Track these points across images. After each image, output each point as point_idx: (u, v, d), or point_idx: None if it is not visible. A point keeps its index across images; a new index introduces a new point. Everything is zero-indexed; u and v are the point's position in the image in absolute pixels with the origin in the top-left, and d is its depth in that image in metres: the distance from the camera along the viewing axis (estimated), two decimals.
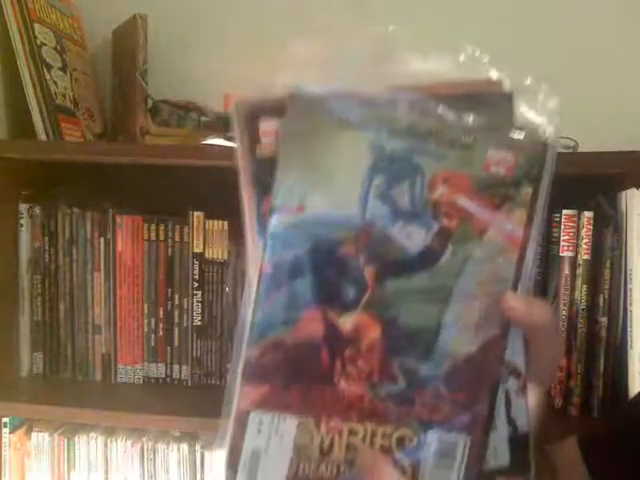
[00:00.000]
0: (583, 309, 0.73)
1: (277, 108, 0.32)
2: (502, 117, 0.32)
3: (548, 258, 0.76)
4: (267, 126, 0.32)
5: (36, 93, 0.77)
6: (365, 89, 0.32)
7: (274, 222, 0.31)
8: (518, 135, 0.32)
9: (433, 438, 0.33)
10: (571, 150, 0.76)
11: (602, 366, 0.72)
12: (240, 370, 0.32)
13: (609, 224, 0.72)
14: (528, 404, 0.34)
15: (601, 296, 0.72)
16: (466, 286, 0.32)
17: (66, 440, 0.82)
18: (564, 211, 0.73)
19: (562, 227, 0.73)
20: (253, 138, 0.33)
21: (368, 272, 0.32)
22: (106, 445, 0.82)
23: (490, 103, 0.32)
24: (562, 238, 0.73)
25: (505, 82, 0.33)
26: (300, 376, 0.32)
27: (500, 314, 0.33)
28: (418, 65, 0.31)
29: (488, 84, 0.32)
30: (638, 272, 0.69)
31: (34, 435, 0.82)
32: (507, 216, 0.32)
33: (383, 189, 0.32)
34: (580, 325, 0.73)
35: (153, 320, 0.82)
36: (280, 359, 0.32)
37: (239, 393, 0.32)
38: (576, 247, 0.73)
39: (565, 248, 0.73)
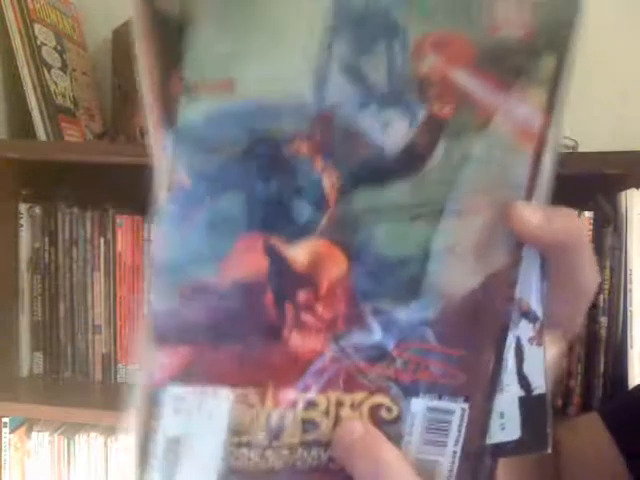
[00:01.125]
0: None
1: None
2: None
3: None
4: None
5: (36, 93, 0.77)
6: None
7: (190, 109, 0.20)
8: None
9: (419, 407, 0.24)
10: (571, 150, 0.76)
11: (602, 366, 0.72)
12: (150, 329, 0.22)
13: (609, 224, 0.72)
14: (546, 357, 0.26)
15: (601, 296, 0.72)
16: (463, 197, 0.23)
17: (66, 440, 0.82)
18: None
19: None
20: None
21: (328, 181, 0.22)
22: (106, 445, 0.82)
23: None
24: None
25: None
26: (235, 332, 0.23)
27: (509, 233, 0.24)
28: None
29: None
30: (638, 272, 0.69)
31: (34, 435, 0.82)
32: (521, 98, 0.23)
33: (348, 59, 0.21)
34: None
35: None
36: (206, 309, 0.22)
37: (149, 361, 0.23)
38: None
39: None
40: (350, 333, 0.23)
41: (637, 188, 0.69)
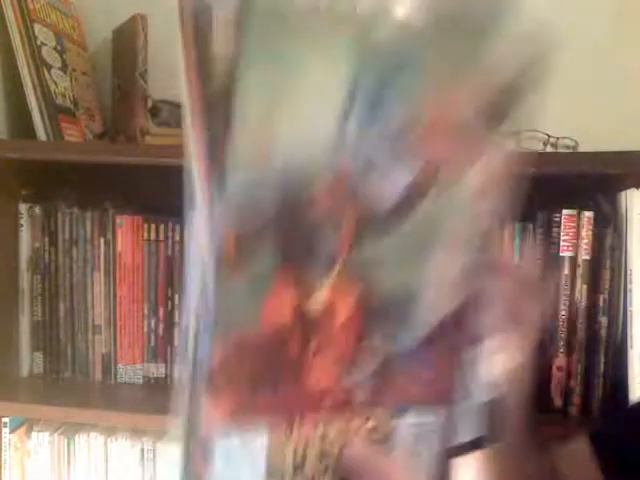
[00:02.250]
0: (583, 309, 0.73)
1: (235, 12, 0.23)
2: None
3: (548, 258, 0.76)
4: (224, 30, 0.23)
5: (36, 93, 0.77)
6: None
7: (233, 179, 0.22)
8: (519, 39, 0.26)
9: (403, 425, 0.28)
10: (571, 150, 0.76)
11: (602, 366, 0.72)
12: (201, 381, 0.25)
13: (609, 224, 0.72)
14: (503, 365, 0.31)
15: (601, 296, 0.72)
16: (448, 236, 0.26)
17: (66, 440, 0.82)
18: (564, 211, 0.73)
19: (562, 227, 0.73)
20: (203, 50, 0.23)
21: (346, 229, 0.23)
22: (106, 445, 0.82)
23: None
24: (562, 238, 0.73)
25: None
26: (267, 375, 0.25)
27: (484, 269, 0.28)
28: None
29: None
30: (638, 272, 0.69)
31: (34, 435, 0.82)
32: (494, 151, 0.26)
33: (364, 114, 0.22)
34: (580, 325, 0.73)
35: (153, 320, 0.82)
36: (247, 360, 0.24)
37: (201, 412, 0.25)
38: (576, 247, 0.73)
39: (565, 248, 0.73)
40: (355, 364, 0.26)
41: (637, 188, 0.69)
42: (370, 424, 0.28)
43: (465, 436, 0.30)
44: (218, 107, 0.22)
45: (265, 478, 0.27)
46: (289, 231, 0.23)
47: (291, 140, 0.23)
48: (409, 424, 0.29)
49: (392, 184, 0.24)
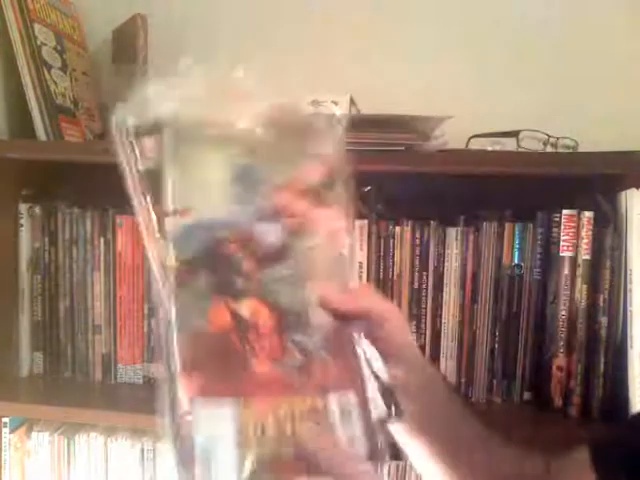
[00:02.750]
0: (583, 309, 0.73)
1: (155, 128, 0.38)
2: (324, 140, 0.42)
3: (548, 258, 0.76)
4: (148, 143, 0.38)
5: (36, 93, 0.77)
6: (225, 117, 0.39)
7: (171, 226, 0.37)
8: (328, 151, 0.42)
9: (333, 403, 0.38)
10: (571, 150, 0.76)
11: (602, 366, 0.72)
12: (177, 362, 0.36)
13: (609, 224, 0.72)
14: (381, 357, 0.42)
15: (601, 296, 0.72)
16: (317, 266, 0.40)
17: (66, 440, 0.82)
18: (564, 211, 0.73)
19: (562, 227, 0.73)
20: (138, 153, 0.38)
21: (248, 264, 0.38)
22: (106, 445, 0.82)
23: (317, 132, 0.42)
24: (562, 238, 0.73)
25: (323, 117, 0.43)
26: (220, 363, 0.36)
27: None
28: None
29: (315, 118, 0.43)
30: (638, 272, 0.69)
31: (34, 435, 0.83)
32: (331, 211, 0.40)
33: (243, 195, 0.39)
34: (580, 325, 0.73)
35: (153, 320, 0.82)
36: (204, 351, 0.36)
37: (179, 385, 0.35)
38: (576, 247, 0.73)
39: (565, 248, 0.73)
40: (284, 357, 0.37)
41: (637, 188, 0.69)
42: (310, 403, 0.37)
43: (374, 413, 0.39)
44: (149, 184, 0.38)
45: (235, 449, 0.35)
46: (215, 262, 0.37)
47: (202, 207, 0.38)
48: (336, 402, 0.38)
49: (273, 233, 0.38)
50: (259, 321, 0.37)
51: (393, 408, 0.41)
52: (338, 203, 0.41)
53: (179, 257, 0.37)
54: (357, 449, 0.38)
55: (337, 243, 0.41)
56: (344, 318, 0.40)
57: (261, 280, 0.38)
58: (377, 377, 0.41)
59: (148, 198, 0.38)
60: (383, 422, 0.40)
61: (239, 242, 0.38)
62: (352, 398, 0.38)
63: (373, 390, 0.40)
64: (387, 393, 0.41)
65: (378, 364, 0.41)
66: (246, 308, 0.37)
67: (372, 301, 0.43)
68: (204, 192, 0.38)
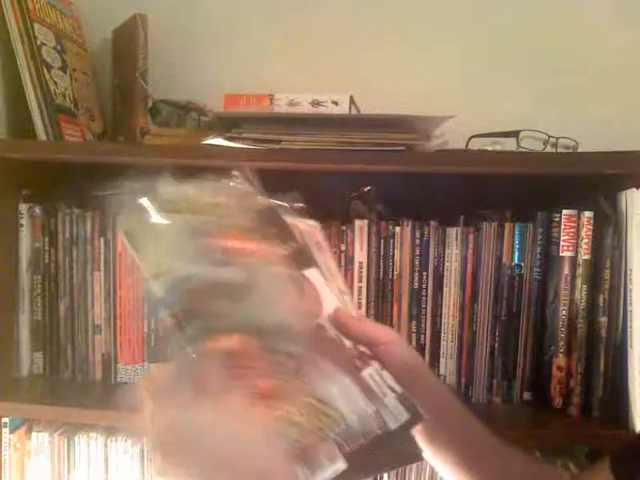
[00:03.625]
0: (583, 309, 0.73)
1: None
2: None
3: (548, 258, 0.76)
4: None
5: (36, 93, 0.77)
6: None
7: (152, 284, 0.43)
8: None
9: (367, 376, 0.44)
10: (571, 150, 0.76)
11: (602, 366, 0.72)
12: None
13: (609, 224, 0.72)
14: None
15: (601, 296, 0.72)
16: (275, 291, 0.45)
17: (66, 440, 0.82)
18: (564, 211, 0.73)
19: (562, 227, 0.73)
20: None
21: (224, 303, 0.42)
22: (106, 445, 0.82)
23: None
24: (562, 238, 0.73)
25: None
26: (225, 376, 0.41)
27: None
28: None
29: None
30: (638, 272, 0.69)
31: (34, 435, 0.82)
32: (268, 243, 0.46)
33: (197, 249, 0.44)
34: (580, 325, 0.73)
35: (153, 320, 0.82)
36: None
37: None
38: (576, 247, 0.73)
39: (565, 248, 0.73)
40: (276, 371, 0.41)
41: (637, 188, 0.69)
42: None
43: (393, 423, 0.43)
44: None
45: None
46: (198, 309, 0.42)
47: (170, 267, 0.42)
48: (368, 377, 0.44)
49: (234, 273, 0.43)
50: (247, 346, 0.41)
51: (413, 410, 0.43)
52: (271, 237, 0.47)
53: (170, 312, 0.42)
54: (397, 416, 0.42)
55: (284, 265, 0.46)
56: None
57: (239, 313, 0.42)
58: (391, 388, 0.44)
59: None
60: (405, 428, 0.43)
61: (209, 289, 0.42)
62: (379, 369, 0.44)
63: (390, 400, 0.43)
64: (404, 398, 0.44)
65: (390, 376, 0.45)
66: (233, 340, 0.41)
67: (367, 328, 0.47)
68: (170, 255, 0.44)
